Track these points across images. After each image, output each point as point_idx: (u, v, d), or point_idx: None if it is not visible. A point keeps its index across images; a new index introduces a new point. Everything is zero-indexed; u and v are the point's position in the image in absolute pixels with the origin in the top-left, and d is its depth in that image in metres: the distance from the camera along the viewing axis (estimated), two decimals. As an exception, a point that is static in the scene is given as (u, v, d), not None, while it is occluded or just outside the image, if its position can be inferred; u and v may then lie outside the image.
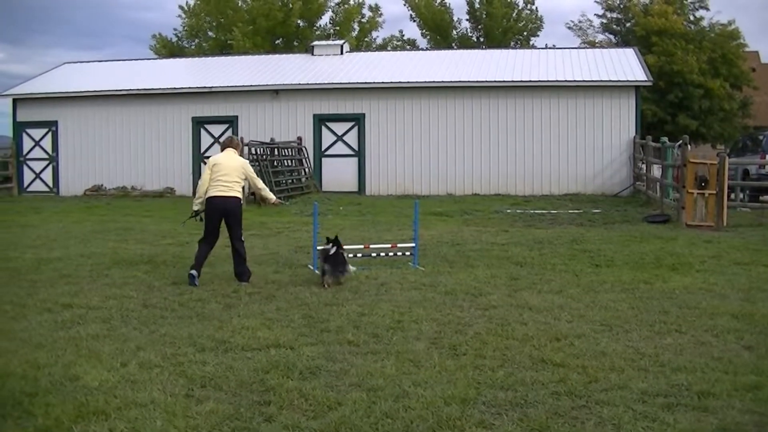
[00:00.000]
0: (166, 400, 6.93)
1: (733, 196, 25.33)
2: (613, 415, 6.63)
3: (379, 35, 61.69)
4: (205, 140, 33.72)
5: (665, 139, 28.16)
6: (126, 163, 34.12)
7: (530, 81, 31.99)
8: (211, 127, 33.63)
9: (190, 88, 33.99)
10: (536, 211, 24.86)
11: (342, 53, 37.73)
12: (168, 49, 56.33)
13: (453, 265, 14.41)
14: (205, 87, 33.74)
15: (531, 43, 56.96)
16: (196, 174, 33.24)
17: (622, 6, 51.03)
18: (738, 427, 6.38)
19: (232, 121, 33.33)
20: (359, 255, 14.53)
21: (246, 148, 28.14)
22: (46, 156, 35.09)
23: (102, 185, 34.03)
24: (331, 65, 35.50)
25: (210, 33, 56.80)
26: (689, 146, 22.53)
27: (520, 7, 56.90)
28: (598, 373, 7.72)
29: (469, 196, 30.32)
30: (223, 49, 52.12)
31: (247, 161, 13.35)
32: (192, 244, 17.33)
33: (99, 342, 8.91)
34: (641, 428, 6.35)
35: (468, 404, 6.86)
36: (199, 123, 33.73)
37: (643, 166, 29.59)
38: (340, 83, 32.84)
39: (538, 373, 7.77)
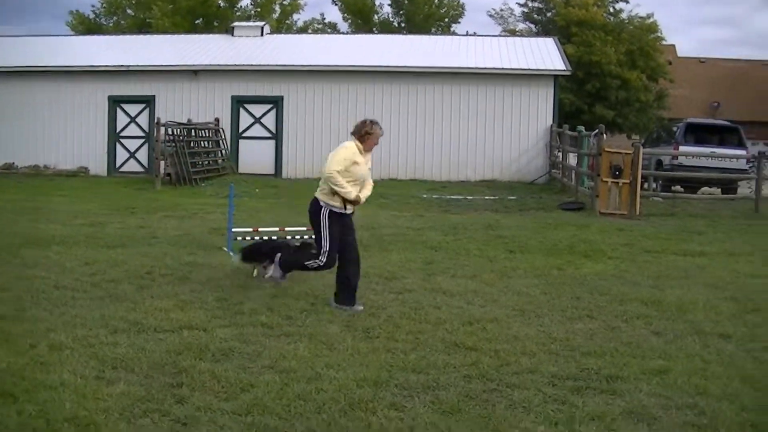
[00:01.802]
0: (76, 382, 6.80)
1: (646, 185, 25.75)
2: (524, 398, 6.71)
3: (300, 18, 61.45)
4: (122, 120, 33.10)
5: (582, 128, 28.51)
6: (39, 141, 33.27)
7: (450, 68, 32.06)
8: (128, 107, 33.03)
9: (107, 66, 33.27)
10: (452, 197, 25.00)
11: (262, 35, 37.40)
12: (85, 26, 55.41)
13: (368, 249, 14.34)
14: (122, 66, 33.08)
15: (452, 29, 57.16)
16: (112, 153, 32.80)
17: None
18: (645, 409, 6.50)
19: (149, 101, 32.80)
20: (275, 237, 14.45)
21: (162, 129, 27.82)
22: (-45, 133, 34.22)
23: (13, 163, 33.26)
24: (251, 47, 35.16)
25: (129, 11, 56.00)
26: (605, 136, 22.82)
27: (442, -6, 57.09)
28: (509, 357, 7.81)
29: (385, 180, 30.22)
30: (141, 27, 51.41)
31: (343, 147, 10.34)
32: (106, 224, 17.15)
33: (7, 323, 8.71)
34: (551, 411, 6.44)
35: (380, 387, 6.88)
36: (115, 102, 33.09)
37: (560, 155, 29.93)
38: (260, 65, 32.54)
39: (450, 356, 7.83)
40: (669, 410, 6.51)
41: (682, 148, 28.44)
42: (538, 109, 31.71)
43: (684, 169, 27.45)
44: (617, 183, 21.20)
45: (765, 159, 24.40)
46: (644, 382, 7.20)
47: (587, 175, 24.70)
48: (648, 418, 6.35)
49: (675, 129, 31.17)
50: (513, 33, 50.52)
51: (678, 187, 28.27)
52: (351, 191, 10.02)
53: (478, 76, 31.70)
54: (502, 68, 31.97)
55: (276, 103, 32.27)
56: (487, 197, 25.14)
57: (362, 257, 13.33)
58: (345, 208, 10.17)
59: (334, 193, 10.00)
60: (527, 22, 53.19)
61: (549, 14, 50.76)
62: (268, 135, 32.39)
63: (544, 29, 49.84)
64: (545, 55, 33.54)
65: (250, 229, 14.39)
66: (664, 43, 50.32)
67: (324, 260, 10.11)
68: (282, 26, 55.14)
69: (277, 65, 32.45)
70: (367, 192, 10.39)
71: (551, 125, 31.41)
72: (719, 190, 28.69)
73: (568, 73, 33.41)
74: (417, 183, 29.70)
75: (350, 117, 31.30)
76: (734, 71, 64.02)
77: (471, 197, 25.03)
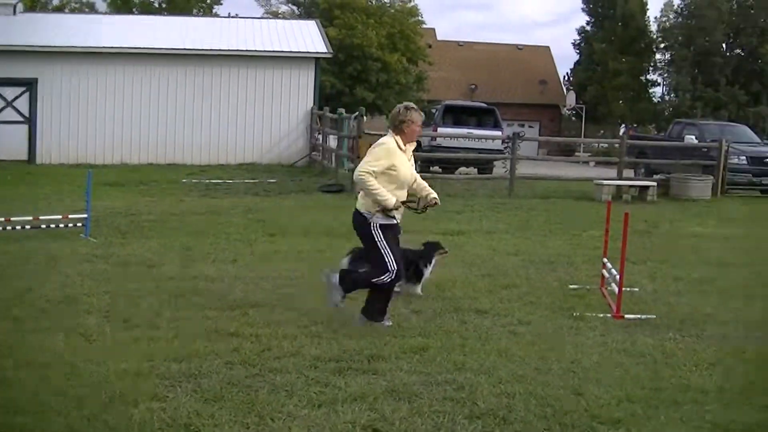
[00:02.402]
0: None
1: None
2: (287, 381, 6.72)
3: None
4: None
5: (342, 110, 28.83)
6: None
7: (210, 50, 31.65)
8: None
9: None
10: (212, 181, 24.74)
11: (15, 13, 35.56)
12: None
13: (126, 236, 14.10)
14: None
15: (214, 11, 56.59)
16: None
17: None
18: (406, 387, 6.63)
19: None
20: (28, 227, 13.92)
21: None
22: None
23: None
24: (2, 26, 33.55)
25: None
26: (365, 118, 23.14)
27: (204, -26, 56.42)
28: (271, 342, 7.81)
29: (144, 166, 29.65)
30: None
31: (379, 143, 8.72)
32: None
33: None
34: (313, 393, 6.47)
35: (141, 378, 6.73)
36: None
37: (320, 137, 30.18)
38: (11, 45, 30.87)
39: (212, 343, 7.74)
40: (429, 386, 6.67)
41: (441, 130, 29.25)
42: (299, 92, 31.85)
43: (442, 150, 28.26)
44: (377, 165, 21.49)
45: (519, 139, 25.37)
46: (404, 360, 7.35)
47: (347, 157, 24.99)
48: (409, 395, 6.47)
49: (434, 111, 32.10)
50: (275, 15, 50.48)
51: (437, 168, 29.04)
52: (389, 197, 8.40)
53: (238, 58, 31.50)
54: (264, 50, 31.95)
55: (30, 85, 30.87)
56: (247, 180, 25.06)
57: (121, 244, 13.17)
58: (393, 218, 8.67)
59: (369, 195, 8.53)
60: (290, 5, 53.31)
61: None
62: (21, 119, 31.02)
63: (306, 11, 50.01)
64: (307, 37, 33.68)
65: (2, 219, 13.81)
66: (424, 26, 51.53)
67: (392, 277, 8.56)
68: (36, 4, 52.97)
69: (30, 45, 30.93)
70: (429, 190, 8.98)
71: (312, 108, 31.62)
72: (476, 170, 29.64)
73: (329, 55, 33.79)
74: (177, 167, 29.18)
75: (108, 99, 30.63)
76: (491, 54, 66.44)
77: (231, 181, 24.88)
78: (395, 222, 8.67)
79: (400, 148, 8.58)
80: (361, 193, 8.73)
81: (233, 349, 7.55)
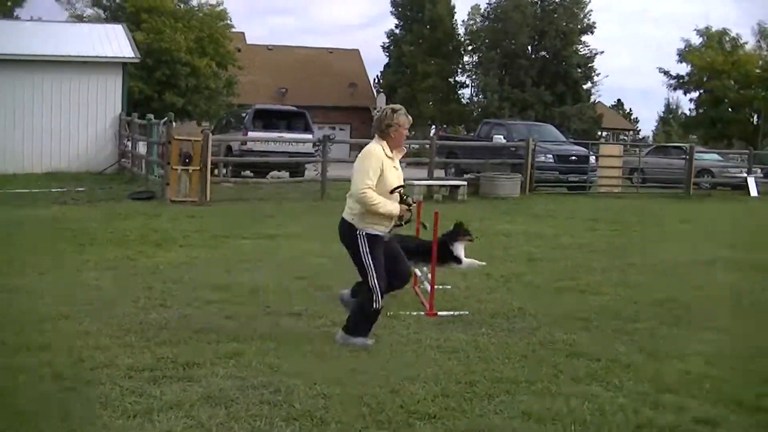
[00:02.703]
0: None
1: (216, 171, 26.15)
2: (101, 393, 6.61)
3: None
4: None
5: (151, 116, 28.49)
6: None
7: (11, 54, 30.60)
8: None
9: None
10: (17, 191, 23.94)
11: None
12: None
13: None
14: None
15: (15, 14, 54.74)
16: None
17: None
18: (222, 392, 6.64)
19: None
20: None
21: None
22: None
23: None
24: None
25: None
26: (174, 123, 22.93)
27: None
28: (83, 353, 7.65)
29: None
30: None
31: (367, 152, 8.21)
32: None
33: None
34: (128, 403, 6.38)
35: (-55, 398, 6.49)
36: None
37: (129, 143, 29.70)
38: None
39: (21, 357, 7.53)
40: (245, 391, 6.70)
41: (251, 134, 29.21)
42: (107, 98, 31.29)
43: (253, 155, 28.25)
44: (187, 170, 21.41)
45: (329, 142, 25.63)
46: (220, 366, 7.35)
47: (157, 163, 24.72)
48: (225, 400, 6.48)
49: (244, 115, 31.96)
50: (80, 18, 49.23)
51: (248, 172, 29.02)
52: (393, 207, 8.03)
53: (43, 63, 30.58)
54: (68, 55, 31.16)
55: None
56: (54, 189, 24.37)
57: None
58: (390, 230, 8.27)
59: (374, 211, 7.98)
60: (95, 8, 51.98)
61: (118, 0, 49.91)
62: None
63: (112, 15, 48.95)
64: (114, 41, 33.11)
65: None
66: (233, 30, 51.29)
67: (379, 299, 8.11)
68: None
69: None
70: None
71: (120, 114, 31.10)
72: (287, 173, 29.75)
73: (137, 60, 33.36)
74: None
75: None
76: (301, 58, 66.90)
77: (37, 190, 24.16)
78: (383, 233, 8.20)
79: (387, 155, 8.16)
80: (350, 204, 8.17)
81: (45, 363, 7.36)
